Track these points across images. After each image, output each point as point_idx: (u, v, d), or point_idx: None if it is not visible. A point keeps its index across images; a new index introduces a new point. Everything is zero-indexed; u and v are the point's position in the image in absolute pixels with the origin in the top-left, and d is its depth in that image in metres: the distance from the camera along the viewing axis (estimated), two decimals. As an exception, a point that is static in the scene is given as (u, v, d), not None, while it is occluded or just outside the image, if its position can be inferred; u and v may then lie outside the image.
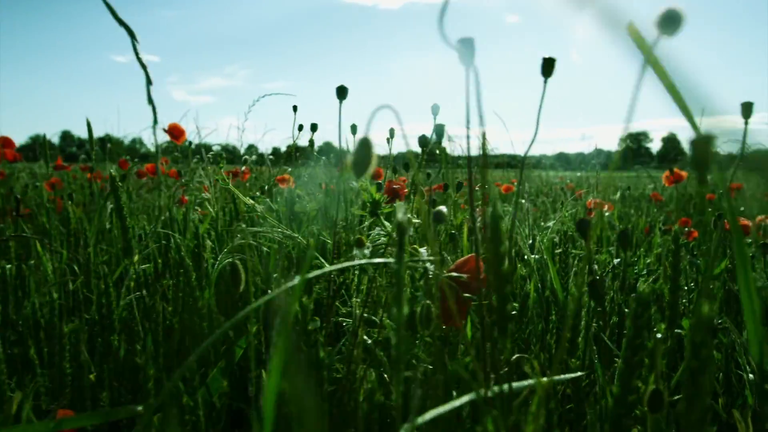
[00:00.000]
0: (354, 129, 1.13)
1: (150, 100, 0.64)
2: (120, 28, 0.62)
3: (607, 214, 2.28)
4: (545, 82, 0.54)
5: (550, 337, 1.01)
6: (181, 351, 0.86)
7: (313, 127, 1.15)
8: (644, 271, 1.35)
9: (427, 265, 0.55)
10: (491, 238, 0.43)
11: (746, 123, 0.55)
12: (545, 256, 1.21)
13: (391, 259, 0.48)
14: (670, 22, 0.33)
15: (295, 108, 1.12)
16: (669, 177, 2.28)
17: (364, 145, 0.36)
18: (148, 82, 0.64)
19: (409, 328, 0.68)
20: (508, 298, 0.44)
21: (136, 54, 0.62)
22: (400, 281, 0.41)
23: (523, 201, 1.95)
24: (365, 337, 0.76)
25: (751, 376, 0.73)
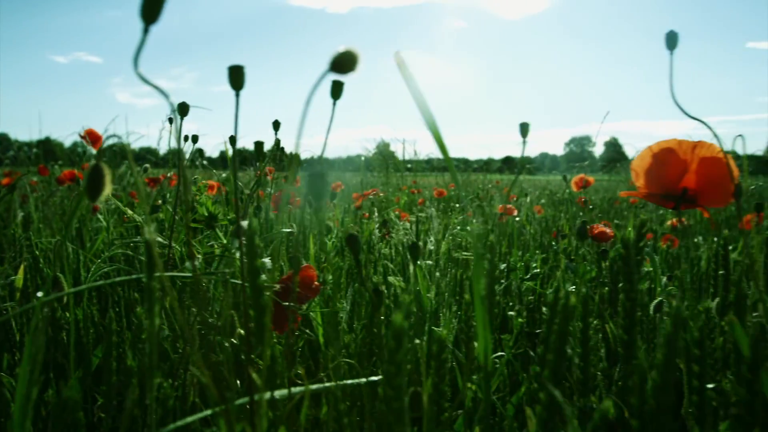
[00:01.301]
0: (234, 139, 1.14)
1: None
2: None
3: (517, 218, 2.35)
4: (334, 104, 0.57)
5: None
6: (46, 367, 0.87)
7: (194, 139, 1.16)
8: (527, 276, 1.41)
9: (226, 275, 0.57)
10: (247, 252, 0.46)
11: (524, 142, 0.61)
12: (429, 264, 1.26)
13: (142, 275, 0.51)
14: (347, 61, 0.36)
15: (171, 120, 1.14)
16: (577, 182, 2.37)
17: (96, 172, 0.39)
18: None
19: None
20: (266, 310, 0.47)
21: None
22: (150, 294, 0.44)
23: (431, 208, 2.00)
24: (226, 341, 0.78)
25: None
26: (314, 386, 0.50)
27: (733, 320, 0.54)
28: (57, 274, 0.65)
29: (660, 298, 0.89)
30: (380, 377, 0.58)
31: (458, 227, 1.65)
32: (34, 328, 0.42)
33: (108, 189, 0.39)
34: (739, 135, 0.66)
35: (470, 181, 5.39)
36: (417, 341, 0.54)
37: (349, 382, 0.57)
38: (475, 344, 0.74)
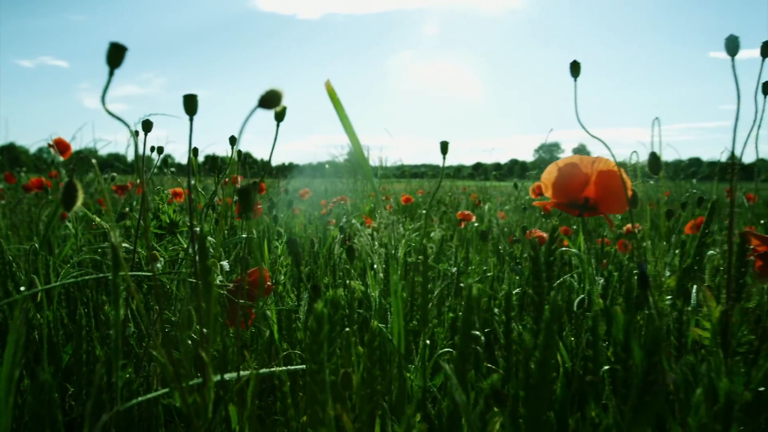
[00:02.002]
0: (196, 152, 1.22)
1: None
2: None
3: (476, 224, 2.47)
4: (278, 125, 0.66)
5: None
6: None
7: (159, 150, 1.24)
8: (477, 278, 1.51)
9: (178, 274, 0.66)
10: (199, 253, 0.55)
11: (444, 159, 0.70)
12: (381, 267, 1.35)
13: (109, 275, 0.59)
14: (272, 99, 0.45)
15: (136, 132, 1.21)
16: (534, 189, 2.49)
17: (70, 186, 0.47)
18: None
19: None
20: (215, 304, 0.55)
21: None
22: (115, 289, 0.52)
23: (386, 213, 2.10)
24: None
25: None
26: (261, 370, 0.59)
27: (615, 310, 0.64)
28: (32, 276, 0.72)
29: (582, 296, 0.99)
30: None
31: (414, 233, 1.74)
32: (16, 317, 0.50)
33: (80, 200, 0.47)
34: (634, 151, 0.77)
35: (438, 188, 5.52)
36: (347, 329, 0.63)
37: (293, 368, 0.66)
38: (428, 337, 0.83)
